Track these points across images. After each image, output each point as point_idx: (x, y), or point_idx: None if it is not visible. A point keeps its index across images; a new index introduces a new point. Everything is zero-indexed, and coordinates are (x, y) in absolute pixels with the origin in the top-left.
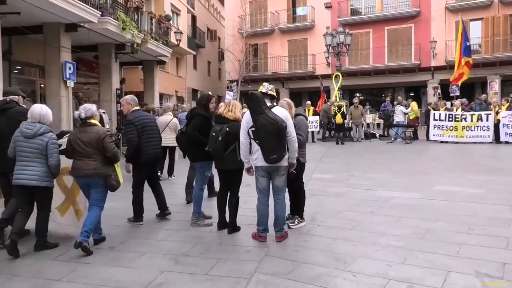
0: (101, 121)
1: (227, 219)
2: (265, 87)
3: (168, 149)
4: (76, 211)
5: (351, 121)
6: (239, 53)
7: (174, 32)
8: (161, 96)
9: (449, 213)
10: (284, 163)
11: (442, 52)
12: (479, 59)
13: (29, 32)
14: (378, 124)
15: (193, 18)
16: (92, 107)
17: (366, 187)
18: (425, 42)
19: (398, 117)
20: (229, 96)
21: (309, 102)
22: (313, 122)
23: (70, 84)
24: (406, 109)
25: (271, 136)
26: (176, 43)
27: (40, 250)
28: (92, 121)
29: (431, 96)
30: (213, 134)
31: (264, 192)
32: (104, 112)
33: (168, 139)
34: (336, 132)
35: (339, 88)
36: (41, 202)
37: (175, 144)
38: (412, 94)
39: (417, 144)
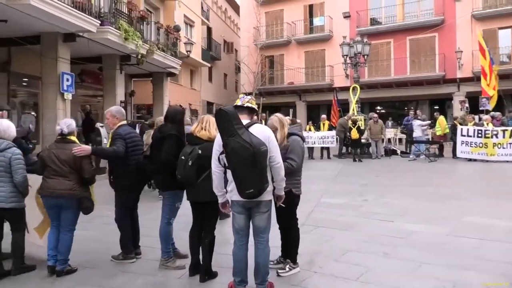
0: (99, 135)
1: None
2: (241, 100)
3: None
4: None
5: (370, 136)
6: (254, 65)
7: (184, 43)
8: None
9: (483, 258)
10: (267, 196)
11: (469, 63)
12: (509, 70)
13: (25, 43)
14: (400, 139)
15: (209, 29)
16: (73, 122)
17: (382, 216)
18: (450, 52)
19: (416, 132)
20: None
21: (324, 116)
22: (329, 137)
23: (68, 96)
24: (424, 121)
25: (245, 164)
26: (186, 54)
27: None
28: (72, 137)
29: (457, 110)
30: (183, 157)
31: (241, 233)
32: (102, 126)
33: None
34: (352, 148)
35: (357, 101)
36: (12, 224)
37: None
38: (437, 107)
39: (442, 162)
